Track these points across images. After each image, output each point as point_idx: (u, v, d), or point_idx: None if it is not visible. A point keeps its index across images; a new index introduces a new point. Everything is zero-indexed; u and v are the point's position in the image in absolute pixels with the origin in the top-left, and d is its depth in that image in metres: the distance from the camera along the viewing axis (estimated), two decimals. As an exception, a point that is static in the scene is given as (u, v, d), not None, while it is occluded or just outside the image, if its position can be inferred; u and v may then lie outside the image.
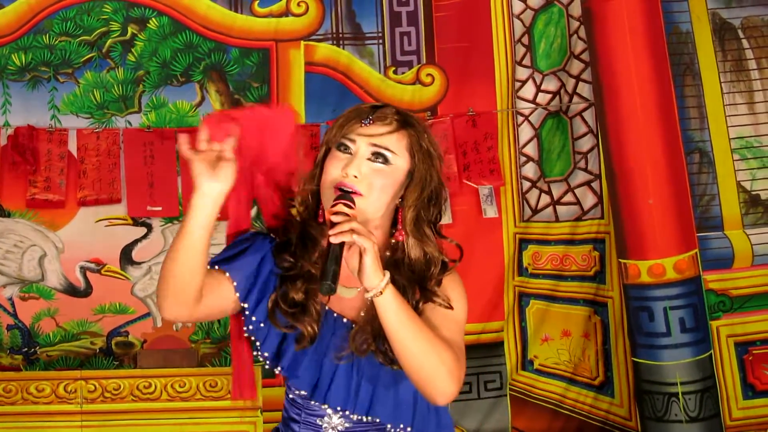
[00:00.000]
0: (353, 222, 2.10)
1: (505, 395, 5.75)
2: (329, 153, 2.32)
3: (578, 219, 5.46)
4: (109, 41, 5.89)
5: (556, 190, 5.58)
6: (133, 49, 5.90)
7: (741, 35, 5.34)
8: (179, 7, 5.92)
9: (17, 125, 5.69)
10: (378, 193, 2.24)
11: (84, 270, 5.77)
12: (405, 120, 2.32)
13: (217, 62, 5.94)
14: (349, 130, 2.27)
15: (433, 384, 2.14)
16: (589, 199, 5.40)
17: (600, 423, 5.29)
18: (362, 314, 2.30)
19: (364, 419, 2.30)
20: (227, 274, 2.29)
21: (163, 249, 5.82)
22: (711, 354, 4.81)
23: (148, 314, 5.81)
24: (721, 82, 5.28)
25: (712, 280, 5.01)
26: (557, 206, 5.58)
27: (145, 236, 5.83)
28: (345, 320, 2.31)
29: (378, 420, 2.29)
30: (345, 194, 2.20)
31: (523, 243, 5.76)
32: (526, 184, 5.77)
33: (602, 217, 5.31)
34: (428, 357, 2.12)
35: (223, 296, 2.29)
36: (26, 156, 5.61)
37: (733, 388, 5.00)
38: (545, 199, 5.65)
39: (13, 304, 5.74)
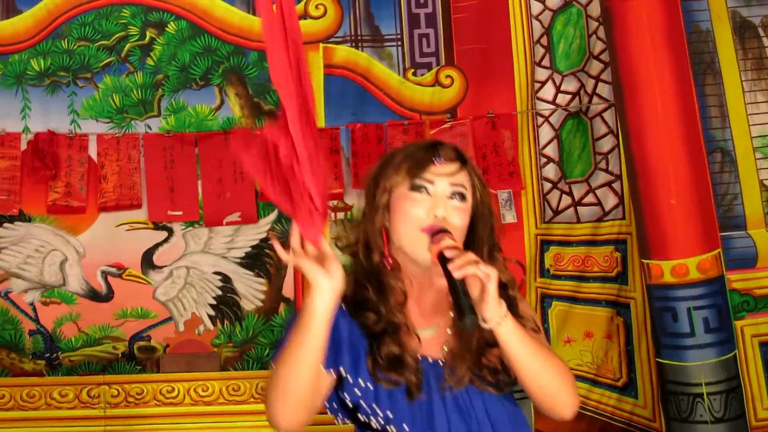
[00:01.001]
0: (470, 253, 2.09)
1: (528, 398, 5.73)
2: (394, 194, 2.29)
3: (600, 220, 5.43)
4: (127, 45, 5.90)
5: (577, 191, 5.56)
6: (151, 53, 5.91)
7: (761, 33, 5.31)
8: (197, 11, 5.94)
9: (37, 129, 5.73)
10: (460, 231, 2.25)
11: (105, 274, 5.78)
12: (462, 156, 2.33)
13: (236, 65, 5.95)
14: (424, 170, 2.25)
15: (560, 399, 2.23)
16: (610, 200, 5.37)
17: (624, 424, 5.27)
18: (445, 349, 2.29)
19: None
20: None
21: (184, 253, 5.84)
22: (735, 354, 4.77)
23: (170, 318, 5.81)
24: (742, 81, 5.24)
25: (736, 279, 4.97)
26: (578, 207, 5.56)
27: (166, 240, 5.84)
28: (431, 360, 2.29)
29: None
30: (443, 230, 2.18)
31: (544, 244, 5.75)
32: (547, 186, 5.76)
33: (624, 218, 5.29)
34: (552, 375, 2.19)
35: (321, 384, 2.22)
36: (46, 161, 5.63)
37: (758, 388, 4.98)
38: (566, 200, 5.63)
39: (34, 309, 5.76)
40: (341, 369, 2.21)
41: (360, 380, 2.21)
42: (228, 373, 5.62)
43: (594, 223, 5.47)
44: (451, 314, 2.23)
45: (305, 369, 2.08)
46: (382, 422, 2.22)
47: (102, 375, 5.55)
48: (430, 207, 2.22)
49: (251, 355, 5.80)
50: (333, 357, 2.19)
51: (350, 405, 2.25)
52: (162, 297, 5.81)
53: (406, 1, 6.05)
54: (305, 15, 5.97)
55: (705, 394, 4.63)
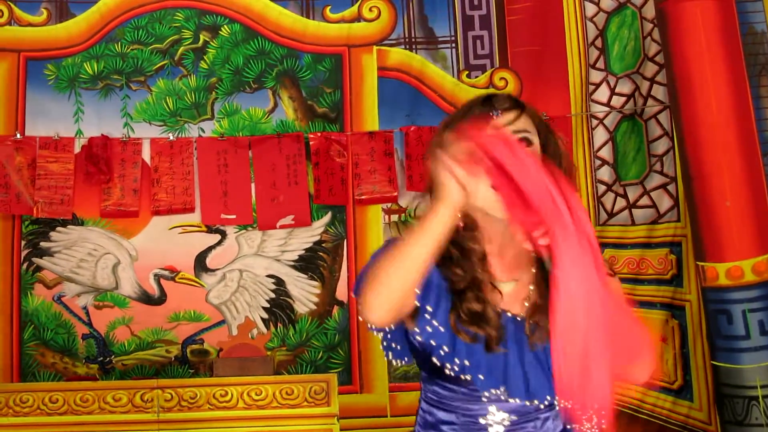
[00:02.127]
0: None
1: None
2: None
3: (654, 222, 5.41)
4: (181, 49, 5.93)
5: (632, 194, 5.54)
6: (205, 57, 5.95)
7: (817, 34, 5.30)
8: (251, 14, 5.96)
9: (90, 133, 5.76)
10: None
11: (158, 277, 5.79)
12: (518, 102, 2.30)
13: (290, 68, 5.97)
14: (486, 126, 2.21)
15: (642, 362, 2.16)
16: (665, 202, 5.35)
17: (679, 427, 5.24)
18: (526, 305, 2.26)
19: (541, 405, 2.27)
20: None
21: (237, 256, 5.85)
22: (791, 356, 4.76)
23: (223, 322, 5.82)
24: (797, 83, 5.23)
25: (791, 281, 4.96)
26: (633, 209, 5.54)
27: (219, 243, 5.85)
28: (510, 315, 2.28)
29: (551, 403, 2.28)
30: None
31: (599, 247, 5.72)
32: (602, 188, 5.74)
33: (678, 220, 5.26)
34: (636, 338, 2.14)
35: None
36: (100, 166, 5.65)
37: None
38: (621, 202, 5.61)
39: (87, 313, 5.77)
40: (426, 306, 2.17)
41: (435, 322, 2.18)
42: (281, 377, 5.60)
43: (649, 225, 5.45)
44: (533, 270, 2.21)
45: (413, 268, 2.01)
46: (458, 369, 2.21)
47: (155, 379, 5.52)
48: None
49: (305, 359, 5.81)
50: (423, 294, 2.14)
51: (419, 345, 2.23)
52: (215, 300, 5.81)
53: (460, 2, 6.09)
54: (359, 17, 6.00)
55: (760, 397, 4.59)
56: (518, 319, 2.26)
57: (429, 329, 2.21)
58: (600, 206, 5.74)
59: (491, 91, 5.92)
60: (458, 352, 2.21)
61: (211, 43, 5.94)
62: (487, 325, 2.20)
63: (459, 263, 2.24)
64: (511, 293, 2.28)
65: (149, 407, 5.27)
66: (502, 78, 5.96)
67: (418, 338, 2.24)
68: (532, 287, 2.25)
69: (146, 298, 5.78)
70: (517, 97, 2.31)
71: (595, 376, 2.06)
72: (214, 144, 5.81)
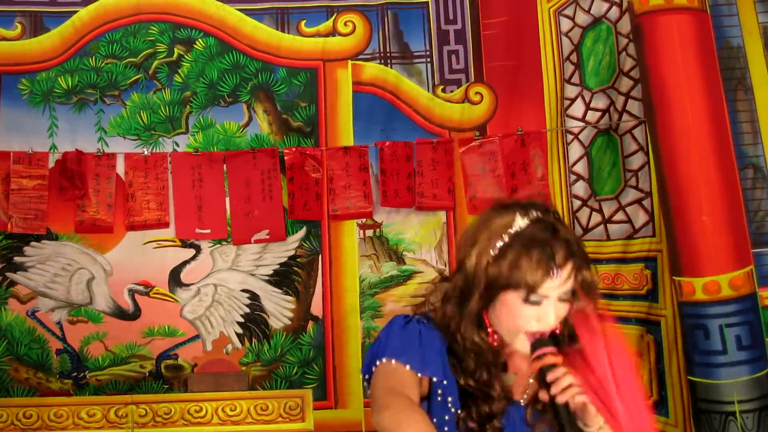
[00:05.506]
0: (570, 375, 2.15)
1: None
2: (506, 295, 2.26)
3: (630, 237, 5.39)
4: (155, 62, 5.91)
5: (607, 209, 5.53)
6: (179, 70, 5.93)
7: (792, 49, 5.30)
8: (226, 28, 5.95)
9: (64, 148, 5.75)
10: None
11: (132, 292, 5.76)
12: (574, 250, 2.28)
13: (265, 82, 5.96)
14: (541, 285, 2.21)
15: None
16: (640, 217, 5.33)
17: (655, 443, 5.23)
18: (526, 393, 2.34)
19: None
20: (419, 375, 2.26)
21: (212, 271, 5.85)
22: (768, 372, 4.75)
23: (198, 337, 5.80)
24: (773, 97, 5.23)
25: (769, 296, 4.96)
26: (608, 224, 5.52)
27: (193, 258, 5.83)
28: (513, 400, 2.34)
29: None
30: (545, 340, 2.23)
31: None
32: (577, 203, 5.73)
33: (654, 235, 5.24)
34: None
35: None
36: (74, 181, 5.64)
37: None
38: (596, 217, 5.60)
39: (61, 328, 5.74)
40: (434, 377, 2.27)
41: (444, 381, 2.27)
42: (256, 392, 5.59)
43: (624, 240, 5.43)
44: (532, 362, 2.24)
45: None
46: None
47: (129, 394, 5.52)
48: (540, 316, 2.23)
49: (279, 374, 5.78)
50: (427, 364, 2.26)
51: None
52: (189, 315, 5.79)
53: (436, 17, 6.08)
54: (334, 32, 6.00)
55: (738, 412, 4.59)
56: (520, 403, 2.34)
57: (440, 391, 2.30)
58: (575, 221, 5.73)
59: (465, 106, 5.92)
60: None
61: (186, 56, 5.93)
62: (491, 422, 2.27)
63: (475, 373, 2.29)
64: (514, 385, 2.36)
65: (123, 423, 5.26)
66: (477, 93, 5.95)
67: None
68: (531, 380, 2.31)
69: (120, 313, 5.76)
70: (575, 243, 2.30)
71: None
72: (188, 159, 5.80)
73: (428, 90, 5.99)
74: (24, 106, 5.81)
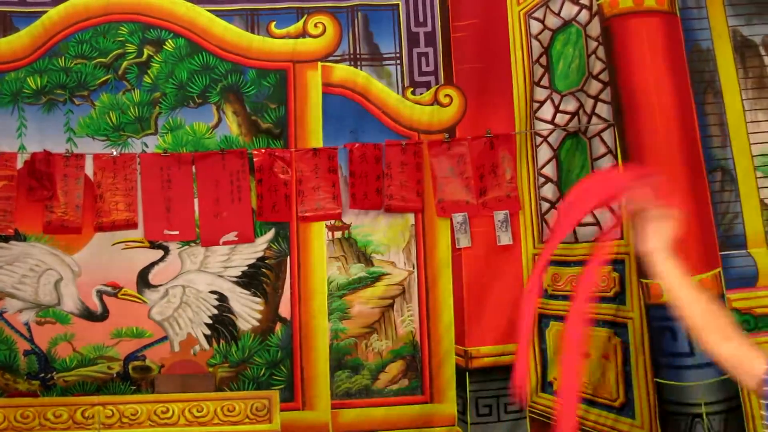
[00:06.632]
0: None
1: (525, 417, 5.71)
2: None
3: (598, 239, 5.39)
4: (125, 63, 5.89)
5: (576, 212, 5.52)
6: (149, 71, 5.91)
7: (762, 52, 5.28)
8: (196, 29, 5.94)
9: (33, 148, 5.72)
10: None
11: (100, 294, 5.75)
12: None
13: (234, 83, 5.94)
14: None
15: None
16: (608, 220, 5.33)
17: (622, 445, 5.24)
18: None
19: None
20: None
21: (180, 272, 5.82)
22: (735, 374, 4.73)
23: (166, 338, 5.78)
24: (742, 100, 5.20)
25: (736, 299, 4.92)
26: (577, 227, 5.52)
27: (161, 259, 5.81)
28: None
29: None
30: None
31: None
32: (545, 205, 5.73)
33: (621, 238, 5.24)
34: None
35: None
36: (43, 182, 5.62)
37: (758, 409, 4.93)
38: (565, 220, 5.59)
39: (29, 329, 5.72)
40: None
41: None
42: (223, 393, 5.59)
43: (592, 242, 5.42)
44: None
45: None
46: None
47: (96, 395, 5.51)
48: None
49: (247, 375, 5.76)
50: None
51: None
52: (157, 316, 5.78)
53: (406, 19, 6.07)
54: (304, 33, 5.99)
55: (704, 414, 4.59)
56: None
57: None
58: (544, 224, 5.73)
59: (434, 108, 5.93)
60: None
61: (155, 57, 5.91)
62: None
63: None
64: None
65: (90, 424, 5.26)
66: (446, 95, 5.94)
67: None
68: None
69: (88, 315, 5.73)
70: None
71: None
72: (157, 160, 5.78)
73: (398, 92, 5.99)
74: (-8, 107, 5.80)
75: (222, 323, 5.82)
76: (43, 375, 5.69)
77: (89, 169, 5.76)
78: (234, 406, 5.33)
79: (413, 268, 5.90)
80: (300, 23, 5.98)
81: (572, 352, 2.58)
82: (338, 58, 5.99)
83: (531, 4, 5.83)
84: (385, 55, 6.05)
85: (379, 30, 6.05)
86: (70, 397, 5.56)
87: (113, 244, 5.77)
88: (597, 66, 5.38)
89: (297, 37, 5.97)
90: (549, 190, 5.72)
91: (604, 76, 5.32)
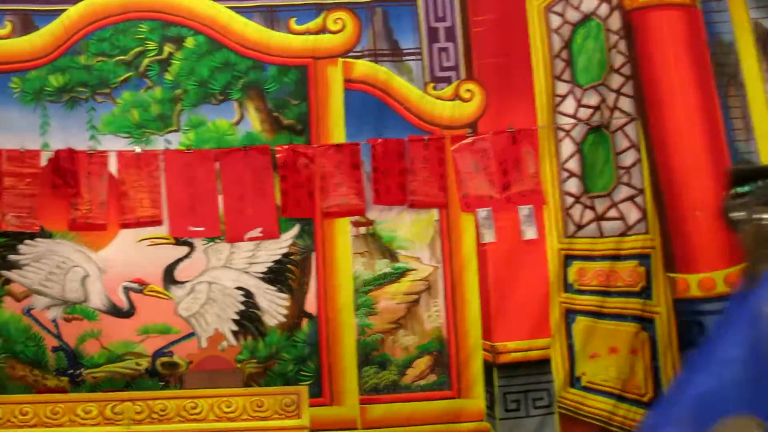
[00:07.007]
0: None
1: (554, 413, 5.77)
2: None
3: (623, 234, 5.41)
4: (146, 60, 5.90)
5: (600, 206, 5.55)
6: (170, 68, 5.91)
7: (784, 44, 5.28)
8: (216, 26, 5.93)
9: (56, 146, 5.74)
10: None
11: (127, 290, 5.79)
12: None
13: (255, 80, 5.94)
14: None
15: None
16: (633, 214, 5.35)
17: (650, 440, 5.27)
18: None
19: None
20: None
21: (206, 268, 5.86)
22: (762, 367, 4.77)
23: (192, 334, 5.83)
24: (765, 92, 5.19)
25: (757, 296, 4.96)
26: (601, 222, 5.54)
27: (187, 255, 5.85)
28: None
29: None
30: None
31: (567, 259, 5.74)
32: (569, 200, 5.75)
33: (647, 232, 5.25)
34: None
35: None
36: (67, 179, 5.65)
37: (782, 405, 4.97)
38: (589, 214, 5.62)
39: (57, 326, 5.77)
40: None
41: None
42: (252, 389, 5.63)
43: (617, 237, 5.45)
44: None
45: None
46: None
47: (125, 391, 5.56)
48: None
49: (274, 371, 5.82)
50: None
51: None
52: (184, 312, 5.82)
53: (425, 14, 6.06)
54: (324, 29, 5.98)
55: (732, 409, 4.62)
56: None
57: None
58: (568, 218, 5.75)
59: (456, 104, 5.93)
60: None
61: (176, 54, 5.90)
62: None
63: None
64: None
65: (119, 420, 5.30)
66: (468, 90, 5.94)
67: None
68: None
69: (115, 311, 5.78)
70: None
71: None
72: (180, 157, 5.80)
73: (419, 87, 5.99)
74: (15, 105, 5.80)
75: (249, 319, 5.86)
76: (71, 371, 5.75)
77: (113, 166, 5.78)
78: (263, 401, 5.36)
79: (438, 264, 5.93)
80: (320, 19, 5.97)
81: None
82: (358, 54, 5.98)
83: (550, -1, 5.83)
84: (405, 51, 6.05)
85: (399, 25, 6.04)
86: (100, 393, 5.60)
87: (138, 241, 5.80)
88: (618, 60, 5.38)
89: (317, 33, 5.96)
90: (573, 185, 5.74)
91: (625, 70, 5.32)
